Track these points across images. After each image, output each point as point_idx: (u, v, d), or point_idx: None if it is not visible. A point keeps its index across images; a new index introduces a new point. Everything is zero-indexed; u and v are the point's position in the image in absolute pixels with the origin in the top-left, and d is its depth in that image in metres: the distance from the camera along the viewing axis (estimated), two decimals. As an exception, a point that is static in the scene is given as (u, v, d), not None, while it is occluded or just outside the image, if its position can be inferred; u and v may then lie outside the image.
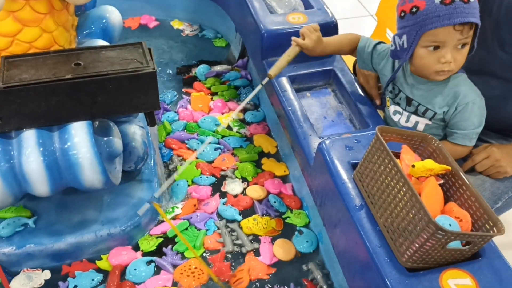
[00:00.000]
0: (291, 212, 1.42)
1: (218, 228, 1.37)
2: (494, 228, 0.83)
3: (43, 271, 1.25)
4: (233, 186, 1.49)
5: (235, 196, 1.47)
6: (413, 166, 0.89)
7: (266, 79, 1.31)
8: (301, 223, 1.39)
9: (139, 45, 1.20)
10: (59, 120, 1.11)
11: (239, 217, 1.40)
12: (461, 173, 0.91)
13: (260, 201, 1.45)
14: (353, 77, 1.47)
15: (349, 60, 1.54)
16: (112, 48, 1.20)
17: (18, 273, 1.24)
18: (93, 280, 1.23)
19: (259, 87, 1.31)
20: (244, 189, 1.49)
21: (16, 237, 1.23)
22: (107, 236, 1.27)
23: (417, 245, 0.82)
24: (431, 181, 0.89)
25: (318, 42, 1.35)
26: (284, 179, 1.54)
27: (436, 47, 1.10)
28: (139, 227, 1.32)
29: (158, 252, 1.31)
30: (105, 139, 1.20)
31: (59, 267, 1.27)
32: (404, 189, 0.86)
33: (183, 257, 1.30)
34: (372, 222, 0.94)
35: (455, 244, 0.84)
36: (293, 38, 1.35)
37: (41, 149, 1.09)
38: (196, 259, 1.27)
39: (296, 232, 1.36)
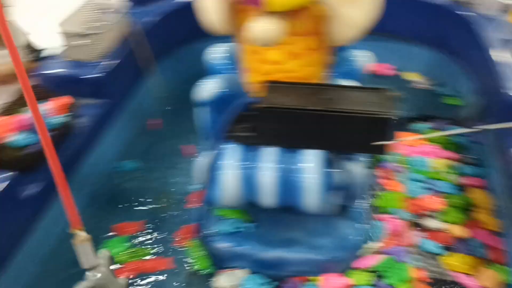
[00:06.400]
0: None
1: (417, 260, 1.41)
2: None
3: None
4: (430, 221, 1.52)
5: (433, 230, 1.49)
6: None
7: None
8: (503, 277, 1.34)
9: (386, 91, 1.26)
10: (299, 144, 1.24)
11: (439, 250, 1.42)
12: None
13: (460, 240, 1.46)
14: None
15: None
16: (360, 89, 1.28)
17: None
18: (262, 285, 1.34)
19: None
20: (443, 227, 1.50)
21: (234, 236, 1.38)
22: (308, 260, 1.35)
23: None
24: None
25: None
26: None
27: None
28: (341, 259, 1.37)
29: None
30: (331, 170, 1.28)
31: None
32: None
33: None
34: None
35: None
36: None
37: (278, 166, 1.23)
38: None
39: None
